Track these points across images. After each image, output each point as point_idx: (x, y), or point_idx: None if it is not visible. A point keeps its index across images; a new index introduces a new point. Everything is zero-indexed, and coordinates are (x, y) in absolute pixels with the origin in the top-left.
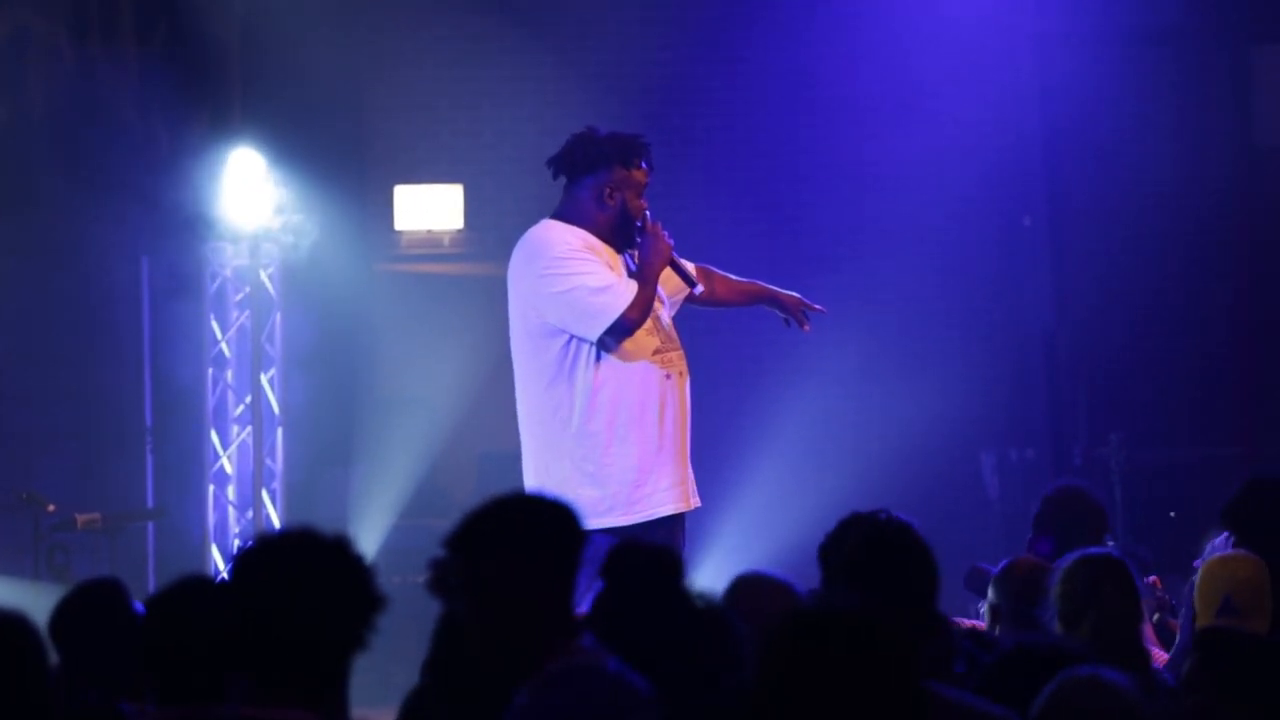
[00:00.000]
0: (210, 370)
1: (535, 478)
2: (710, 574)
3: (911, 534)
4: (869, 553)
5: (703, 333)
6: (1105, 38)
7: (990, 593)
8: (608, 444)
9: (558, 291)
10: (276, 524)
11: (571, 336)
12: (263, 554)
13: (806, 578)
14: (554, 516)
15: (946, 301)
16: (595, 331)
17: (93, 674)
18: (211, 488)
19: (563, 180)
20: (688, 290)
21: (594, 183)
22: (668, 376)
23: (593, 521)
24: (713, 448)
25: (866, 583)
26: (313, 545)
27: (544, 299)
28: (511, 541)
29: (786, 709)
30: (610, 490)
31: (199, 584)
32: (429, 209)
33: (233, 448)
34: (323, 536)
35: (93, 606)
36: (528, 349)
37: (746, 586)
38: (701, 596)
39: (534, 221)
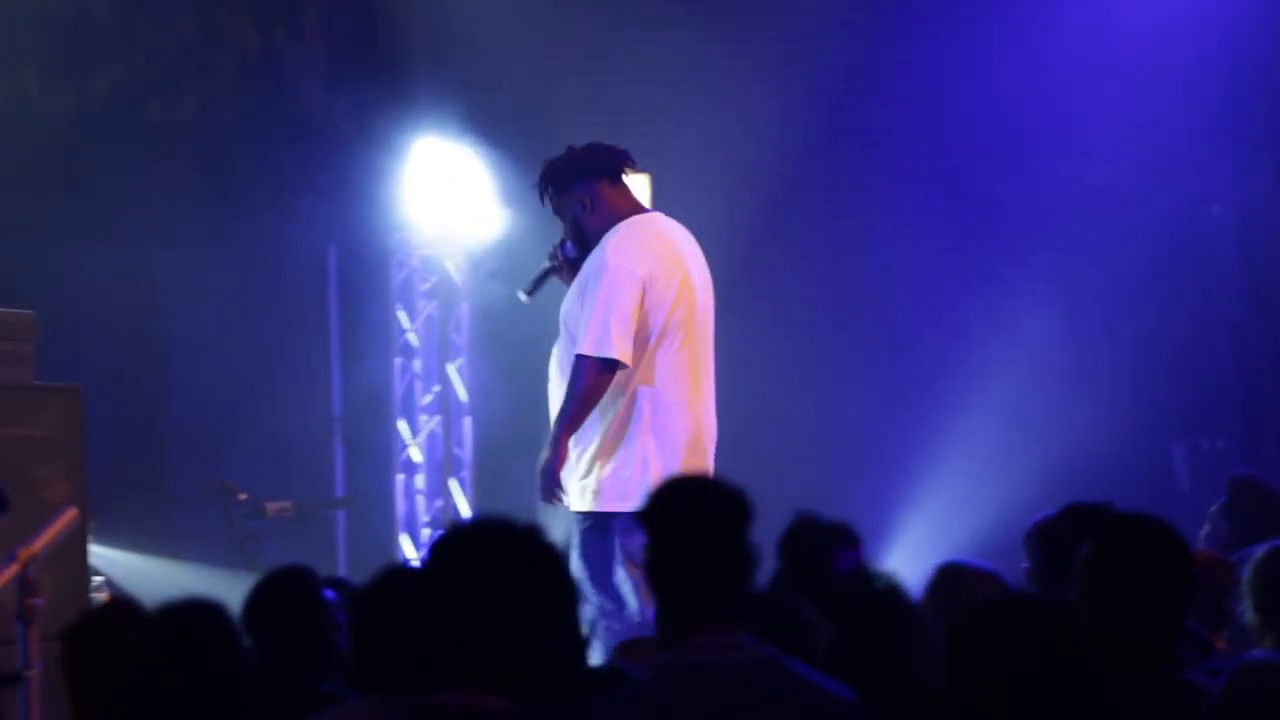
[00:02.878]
0: (398, 360)
1: None
2: (900, 566)
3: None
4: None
5: (887, 327)
6: None
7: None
8: None
9: None
10: (465, 512)
11: None
12: (457, 542)
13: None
14: (728, 498)
15: (1136, 289)
16: None
17: (283, 660)
18: (400, 476)
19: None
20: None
21: None
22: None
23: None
24: (899, 440)
25: (1114, 580)
26: (506, 534)
27: None
28: (682, 517)
29: (980, 696)
30: None
31: (403, 573)
32: None
33: (421, 436)
34: (515, 525)
35: (284, 593)
36: None
37: (949, 575)
38: (880, 575)
39: (721, 210)
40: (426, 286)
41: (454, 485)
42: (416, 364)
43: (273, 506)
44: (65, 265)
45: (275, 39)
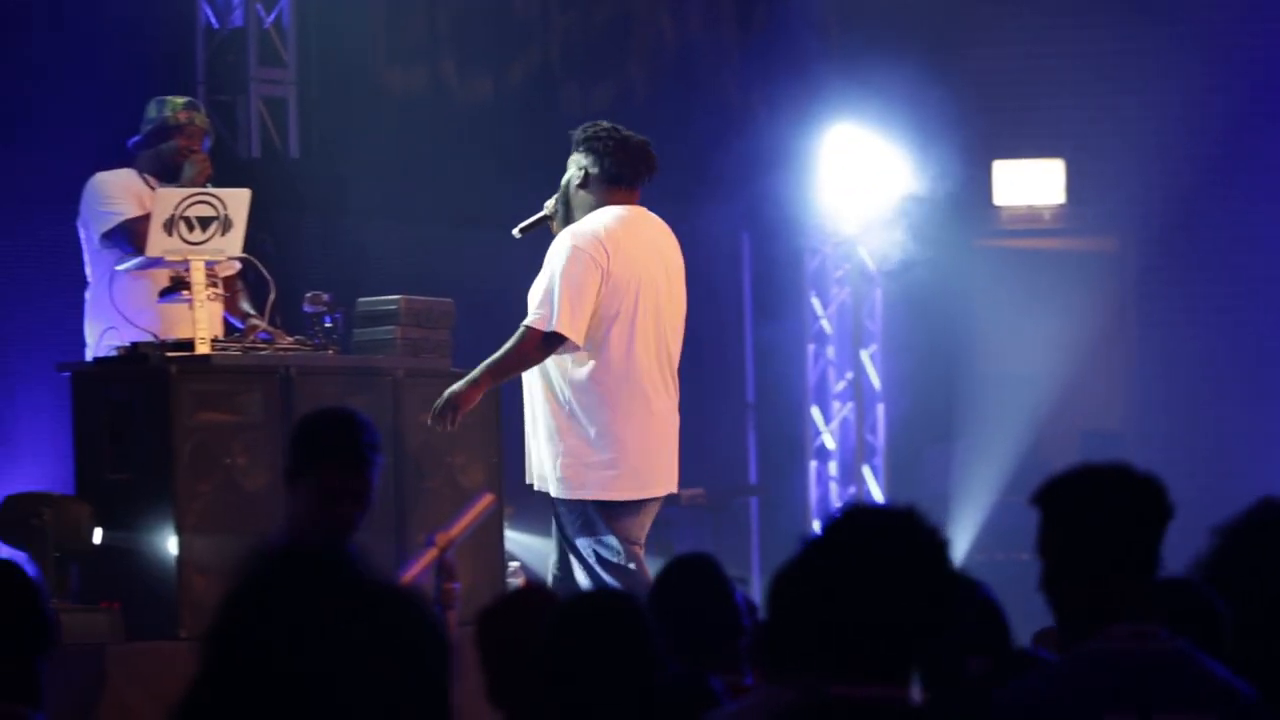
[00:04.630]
0: (811, 346)
1: None
2: None
3: None
4: None
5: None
6: None
7: None
8: None
9: None
10: (878, 499)
11: None
12: (837, 528)
13: None
14: (1146, 489)
15: None
16: None
17: (689, 646)
18: (813, 464)
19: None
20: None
21: None
22: None
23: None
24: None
25: None
26: (887, 518)
27: None
28: (1101, 508)
29: None
30: None
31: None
32: (1029, 184)
33: (834, 423)
34: (897, 509)
35: (687, 581)
36: None
37: None
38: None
39: (1137, 196)
40: (840, 273)
41: (866, 472)
42: (830, 351)
43: (686, 493)
44: (483, 252)
45: (689, 25)
